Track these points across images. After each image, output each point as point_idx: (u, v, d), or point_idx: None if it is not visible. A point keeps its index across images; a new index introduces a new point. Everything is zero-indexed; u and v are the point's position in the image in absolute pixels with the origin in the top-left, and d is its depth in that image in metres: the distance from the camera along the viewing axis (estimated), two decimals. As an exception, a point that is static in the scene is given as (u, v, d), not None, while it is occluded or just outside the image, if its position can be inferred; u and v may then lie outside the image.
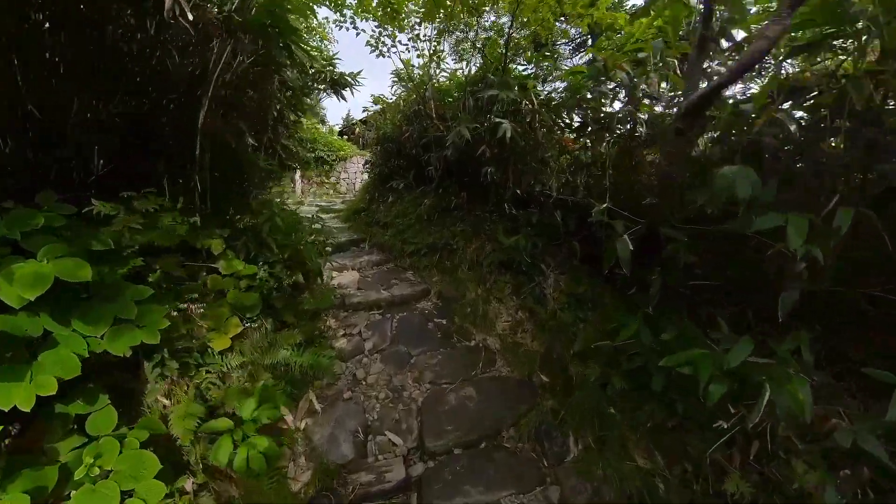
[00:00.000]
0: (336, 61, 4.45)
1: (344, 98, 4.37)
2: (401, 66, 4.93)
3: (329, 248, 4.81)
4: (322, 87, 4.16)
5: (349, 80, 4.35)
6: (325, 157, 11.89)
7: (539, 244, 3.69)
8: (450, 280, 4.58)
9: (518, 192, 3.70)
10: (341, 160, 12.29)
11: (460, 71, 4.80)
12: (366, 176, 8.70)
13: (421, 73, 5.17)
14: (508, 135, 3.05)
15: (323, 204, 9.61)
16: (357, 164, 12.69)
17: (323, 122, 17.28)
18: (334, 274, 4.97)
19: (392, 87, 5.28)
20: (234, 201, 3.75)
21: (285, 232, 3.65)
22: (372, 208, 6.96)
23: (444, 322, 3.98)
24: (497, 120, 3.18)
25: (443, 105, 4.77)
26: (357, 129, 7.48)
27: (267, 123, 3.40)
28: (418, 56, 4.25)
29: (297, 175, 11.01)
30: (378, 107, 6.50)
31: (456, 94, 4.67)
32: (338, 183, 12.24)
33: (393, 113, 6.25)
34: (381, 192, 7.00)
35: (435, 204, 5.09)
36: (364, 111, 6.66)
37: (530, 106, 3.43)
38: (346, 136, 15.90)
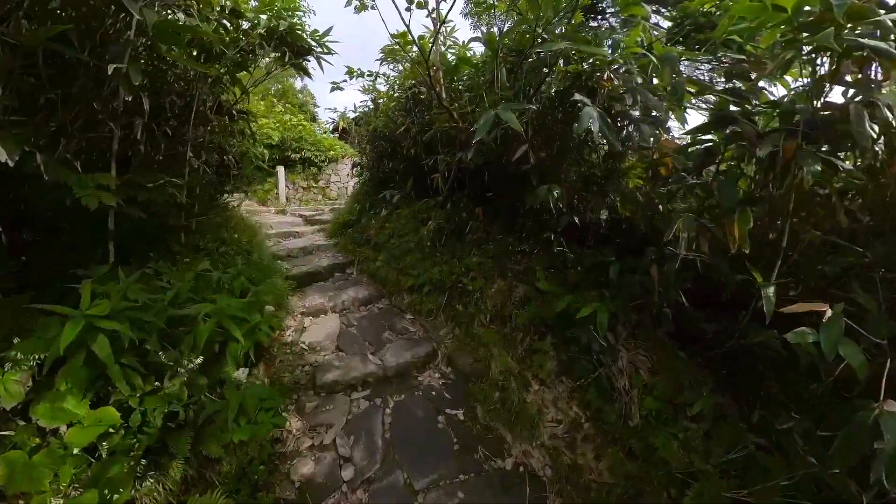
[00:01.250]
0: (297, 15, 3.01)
1: (307, 73, 3.01)
2: (393, 32, 3.55)
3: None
4: (266, 50, 2.76)
5: (308, 40, 2.94)
6: (313, 158, 10.52)
7: (612, 308, 2.33)
8: (464, 336, 3.23)
9: (575, 219, 2.33)
10: (332, 161, 10.93)
11: (476, 43, 3.40)
12: (356, 182, 7.35)
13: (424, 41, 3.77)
14: (596, 127, 1.70)
15: (307, 213, 8.25)
16: (350, 165, 11.32)
17: (314, 119, 15.90)
18: (307, 322, 3.63)
19: (380, 64, 3.87)
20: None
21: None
22: (362, 222, 5.61)
23: (462, 415, 2.64)
24: (578, 97, 1.80)
25: (455, 91, 3.40)
26: (341, 125, 6.04)
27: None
28: (417, 6, 2.86)
29: (282, 178, 9.66)
30: (368, 98, 5.15)
31: (471, 76, 3.28)
32: (328, 187, 10.87)
33: (386, 102, 4.87)
34: (372, 203, 5.65)
35: (442, 225, 3.72)
36: (354, 111, 5.25)
37: (611, 80, 2.02)
38: (340, 136, 14.52)
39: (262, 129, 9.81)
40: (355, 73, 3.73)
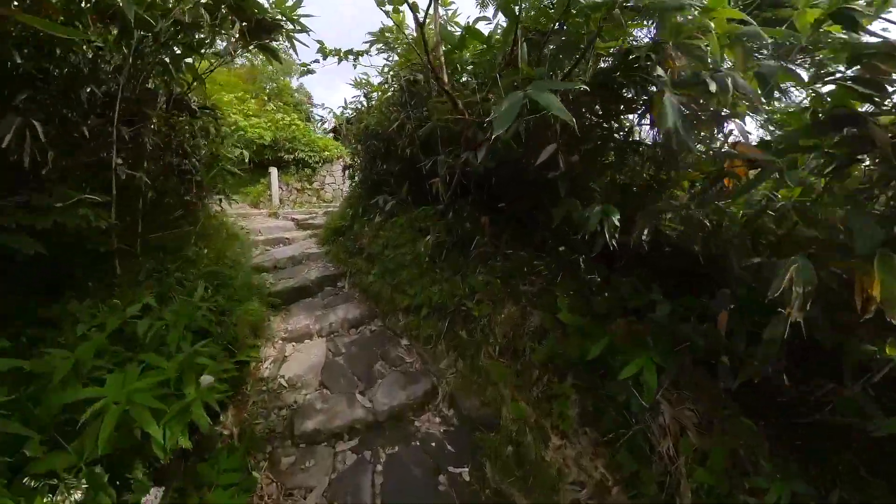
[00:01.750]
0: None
1: (276, 56, 2.51)
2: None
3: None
4: (215, 24, 2.24)
5: (271, 11, 2.37)
6: (307, 158, 10.04)
7: (658, 359, 1.87)
8: (468, 371, 2.77)
9: (614, 242, 1.85)
10: (327, 162, 10.46)
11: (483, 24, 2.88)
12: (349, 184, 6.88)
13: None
14: (671, 121, 1.22)
15: (300, 216, 7.79)
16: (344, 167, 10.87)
17: (309, 118, 15.40)
18: (289, 350, 3.17)
19: (369, 47, 3.35)
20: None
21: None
22: (354, 229, 5.15)
23: (467, 474, 2.19)
24: (658, 81, 1.30)
25: (458, 78, 2.91)
26: (336, 123, 5.55)
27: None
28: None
29: (275, 180, 9.20)
30: (361, 93, 4.68)
31: (479, 57, 2.77)
32: (322, 189, 10.40)
33: (379, 97, 4.39)
34: (365, 208, 5.19)
35: (442, 238, 3.26)
36: (345, 107, 4.76)
37: (675, 59, 1.52)
38: (335, 135, 14.04)
39: (253, 128, 9.35)
40: (330, 53, 3.18)
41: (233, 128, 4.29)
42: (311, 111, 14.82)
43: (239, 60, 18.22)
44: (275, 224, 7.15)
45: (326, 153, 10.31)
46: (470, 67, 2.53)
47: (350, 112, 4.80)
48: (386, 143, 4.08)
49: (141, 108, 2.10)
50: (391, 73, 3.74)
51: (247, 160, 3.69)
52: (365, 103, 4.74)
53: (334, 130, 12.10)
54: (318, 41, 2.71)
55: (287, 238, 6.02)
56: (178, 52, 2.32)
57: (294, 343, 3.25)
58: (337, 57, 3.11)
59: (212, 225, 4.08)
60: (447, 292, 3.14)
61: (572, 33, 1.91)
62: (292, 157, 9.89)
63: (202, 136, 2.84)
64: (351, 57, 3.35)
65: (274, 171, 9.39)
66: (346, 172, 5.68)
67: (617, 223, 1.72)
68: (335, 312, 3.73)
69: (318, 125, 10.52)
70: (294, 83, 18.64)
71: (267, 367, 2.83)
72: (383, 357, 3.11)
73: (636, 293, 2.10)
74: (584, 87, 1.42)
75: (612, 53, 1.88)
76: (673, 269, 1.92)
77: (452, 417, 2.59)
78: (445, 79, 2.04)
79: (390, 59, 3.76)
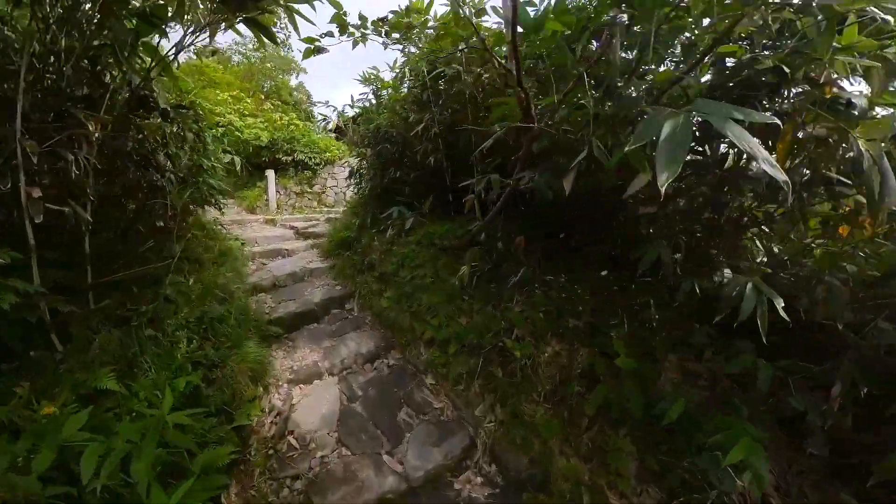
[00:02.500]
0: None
1: (270, 36, 1.97)
2: None
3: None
4: None
5: None
6: (307, 160, 9.51)
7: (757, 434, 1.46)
8: (510, 419, 2.34)
9: (696, 288, 1.40)
10: (328, 164, 9.94)
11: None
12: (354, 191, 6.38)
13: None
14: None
15: (300, 224, 7.30)
16: (349, 168, 10.31)
17: (310, 118, 14.85)
18: (296, 395, 2.71)
19: (383, 40, 2.75)
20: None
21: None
22: (362, 242, 4.68)
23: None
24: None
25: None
26: (338, 122, 5.03)
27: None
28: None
29: (272, 183, 8.69)
30: (369, 90, 4.19)
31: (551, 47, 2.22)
32: (323, 192, 9.89)
33: (392, 94, 3.91)
34: (374, 219, 4.72)
35: (476, 264, 2.81)
36: (352, 105, 4.27)
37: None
38: (337, 135, 13.49)
39: (249, 128, 8.83)
40: (354, 25, 2.46)
41: (222, 129, 3.77)
42: (312, 110, 14.30)
43: (235, 58, 17.62)
44: (272, 232, 6.66)
45: (328, 154, 9.79)
46: (529, 59, 2.02)
47: (357, 111, 4.31)
48: (400, 148, 3.61)
49: (75, 107, 1.58)
50: (407, 67, 3.26)
51: (239, 167, 3.20)
52: (374, 101, 4.26)
53: (338, 130, 11.56)
54: (335, 2, 2.11)
55: (286, 249, 5.54)
56: (133, 25, 1.79)
57: (301, 386, 2.79)
58: (358, 31, 2.44)
59: (200, 243, 3.60)
60: (480, 326, 2.69)
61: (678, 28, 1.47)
62: (291, 158, 9.38)
63: (176, 142, 2.34)
64: (376, 36, 2.62)
65: (271, 174, 8.89)
66: (352, 178, 5.18)
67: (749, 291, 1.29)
68: (345, 343, 3.27)
69: (320, 124, 9.95)
70: (293, 81, 18.10)
71: (271, 422, 2.37)
72: (407, 402, 2.66)
73: (737, 356, 1.68)
74: (775, 120, 0.96)
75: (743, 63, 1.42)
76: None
77: (495, 476, 2.15)
78: (512, 68, 1.55)
79: (406, 50, 3.29)
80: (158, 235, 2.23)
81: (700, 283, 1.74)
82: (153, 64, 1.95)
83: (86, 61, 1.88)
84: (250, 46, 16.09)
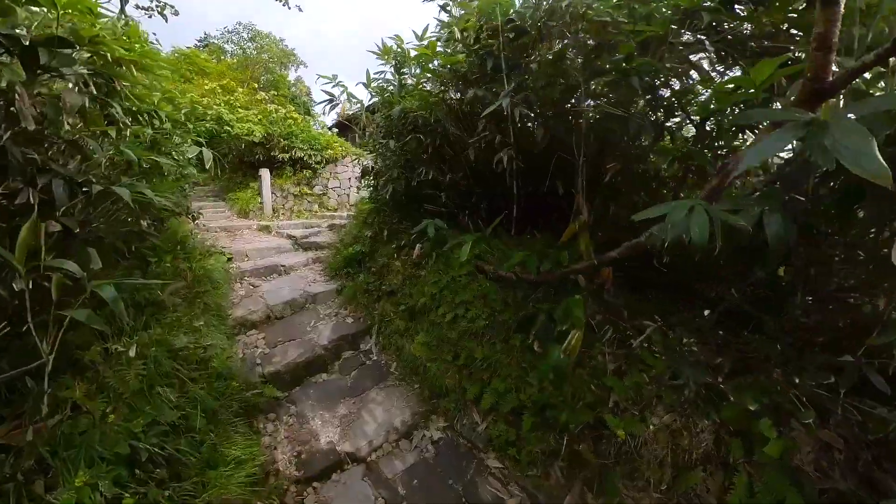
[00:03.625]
0: None
1: None
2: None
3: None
4: None
5: None
6: (307, 158, 8.49)
7: None
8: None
9: None
10: (330, 162, 8.95)
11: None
12: (364, 194, 5.40)
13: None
14: None
15: (299, 232, 6.35)
16: (352, 167, 9.33)
17: (308, 112, 13.86)
18: (309, 500, 1.78)
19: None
20: None
21: None
22: (378, 258, 3.76)
23: None
24: None
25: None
26: (347, 105, 3.99)
27: None
28: None
29: (266, 185, 7.73)
30: (388, 68, 3.24)
31: None
32: (325, 194, 8.90)
33: (422, 69, 2.96)
34: (393, 231, 3.79)
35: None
36: (367, 86, 3.29)
37: None
38: (340, 131, 12.48)
39: (240, 122, 7.87)
40: None
41: (184, 111, 2.77)
42: (311, 106, 13.33)
43: (228, 48, 16.56)
44: (266, 242, 5.68)
45: (329, 151, 8.82)
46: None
47: (373, 94, 3.37)
48: (438, 140, 2.68)
49: None
50: (460, 22, 2.29)
51: (209, 163, 2.28)
52: (396, 81, 3.32)
53: (341, 125, 10.54)
54: None
55: (283, 265, 4.60)
56: None
57: (316, 484, 1.87)
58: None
59: (173, 266, 2.66)
60: (564, 392, 1.77)
61: None
62: (288, 156, 8.41)
63: (87, 123, 1.41)
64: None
65: (265, 173, 7.92)
66: (364, 179, 4.24)
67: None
68: (369, 409, 2.35)
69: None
70: (291, 76, 17.08)
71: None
72: (470, 498, 1.74)
73: None
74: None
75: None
76: None
77: None
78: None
79: (449, 6, 2.36)
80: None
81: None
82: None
83: None
84: (244, 35, 15.07)
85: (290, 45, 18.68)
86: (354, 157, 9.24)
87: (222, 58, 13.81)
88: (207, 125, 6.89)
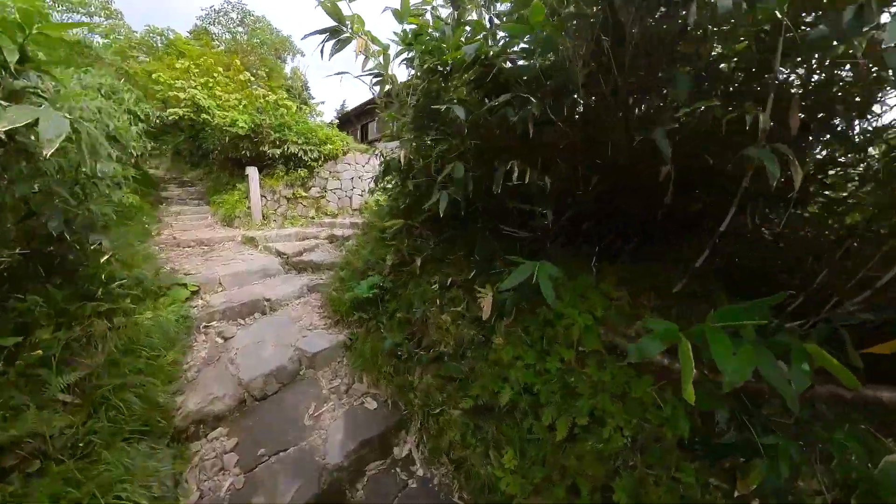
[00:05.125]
0: None
1: None
2: None
3: None
4: None
5: None
6: (302, 154, 7.17)
7: None
8: None
9: None
10: (329, 160, 7.64)
11: None
12: (375, 197, 4.10)
13: None
14: None
15: (291, 247, 5.11)
16: (355, 165, 8.04)
17: (305, 103, 12.53)
18: None
19: None
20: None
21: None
22: (406, 296, 2.55)
23: None
24: None
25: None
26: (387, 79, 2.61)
27: None
28: None
29: (255, 186, 6.47)
30: (428, 8, 2.03)
31: None
32: (323, 197, 7.58)
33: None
34: (434, 257, 2.57)
35: None
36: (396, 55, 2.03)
37: None
38: (340, 125, 11.14)
39: (222, 110, 6.58)
40: None
41: (133, 94, 1.52)
42: (308, 97, 12.04)
43: (215, 29, 15.15)
44: (249, 263, 4.38)
45: (328, 147, 7.54)
46: None
47: (402, 46, 2.13)
48: (565, 108, 1.46)
49: None
50: None
51: (142, 151, 1.07)
52: (436, 35, 2.11)
53: (343, 120, 9.22)
54: None
55: (267, 299, 3.34)
56: None
57: None
58: None
59: (83, 336, 1.45)
60: None
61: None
62: (280, 151, 7.14)
63: None
64: None
65: (253, 172, 6.65)
66: (383, 180, 3.00)
67: None
68: None
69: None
70: (287, 67, 15.73)
71: None
72: None
73: None
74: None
75: None
76: None
77: None
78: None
79: None
80: None
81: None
82: None
83: None
84: (234, 17, 13.70)
85: (285, 32, 17.28)
86: (360, 153, 7.94)
87: (210, 41, 12.42)
88: (180, 112, 5.59)
